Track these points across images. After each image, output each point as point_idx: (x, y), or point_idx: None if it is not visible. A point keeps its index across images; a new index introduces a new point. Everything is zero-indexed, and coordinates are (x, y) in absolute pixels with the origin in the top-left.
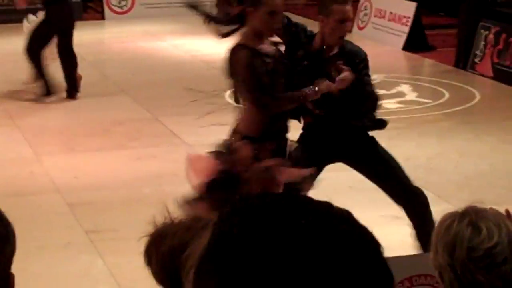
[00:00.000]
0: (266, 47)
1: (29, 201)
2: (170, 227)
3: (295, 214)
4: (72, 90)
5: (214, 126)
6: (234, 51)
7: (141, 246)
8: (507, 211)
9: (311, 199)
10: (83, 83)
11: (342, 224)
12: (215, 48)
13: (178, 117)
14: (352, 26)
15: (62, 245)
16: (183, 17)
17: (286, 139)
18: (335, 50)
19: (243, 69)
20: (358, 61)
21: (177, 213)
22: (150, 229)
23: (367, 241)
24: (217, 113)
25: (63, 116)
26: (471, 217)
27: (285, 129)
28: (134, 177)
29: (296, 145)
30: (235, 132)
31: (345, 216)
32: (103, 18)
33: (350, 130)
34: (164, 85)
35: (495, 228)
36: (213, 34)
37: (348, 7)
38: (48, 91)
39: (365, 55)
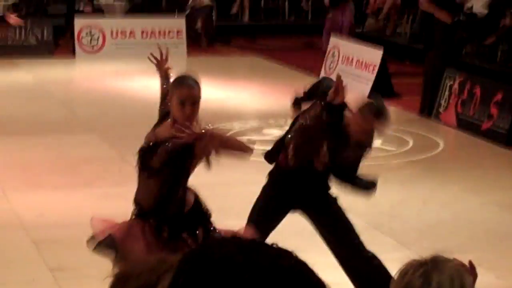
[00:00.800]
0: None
1: None
2: (134, 268)
3: (241, 272)
4: None
5: None
6: None
7: (105, 286)
8: (470, 263)
9: (268, 248)
10: (52, 121)
11: (293, 273)
12: None
13: None
14: (320, 73)
15: (25, 282)
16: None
17: None
18: None
19: None
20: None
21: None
22: (114, 269)
23: None
24: None
25: (30, 152)
26: (427, 268)
27: None
28: (100, 216)
29: None
30: None
31: (296, 271)
32: (74, 56)
33: (317, 184)
34: (133, 125)
35: (447, 282)
36: None
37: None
38: None
39: None
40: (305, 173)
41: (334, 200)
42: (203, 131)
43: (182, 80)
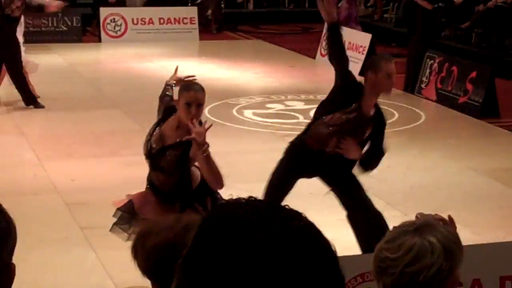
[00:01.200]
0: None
1: (32, 200)
2: (154, 226)
3: (259, 227)
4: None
5: None
6: None
7: (129, 242)
8: (449, 217)
9: (280, 210)
10: (81, 98)
11: (302, 234)
12: (197, 69)
13: None
14: (316, 54)
15: (59, 240)
16: (169, 42)
17: None
18: (373, 111)
19: None
20: (384, 122)
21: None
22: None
23: (323, 253)
24: None
25: (62, 125)
26: (421, 232)
27: None
28: (124, 181)
29: None
30: None
31: (306, 232)
32: (99, 41)
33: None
34: (152, 101)
35: (422, 248)
36: None
37: (393, 64)
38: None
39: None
40: (336, 159)
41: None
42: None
43: (190, 85)
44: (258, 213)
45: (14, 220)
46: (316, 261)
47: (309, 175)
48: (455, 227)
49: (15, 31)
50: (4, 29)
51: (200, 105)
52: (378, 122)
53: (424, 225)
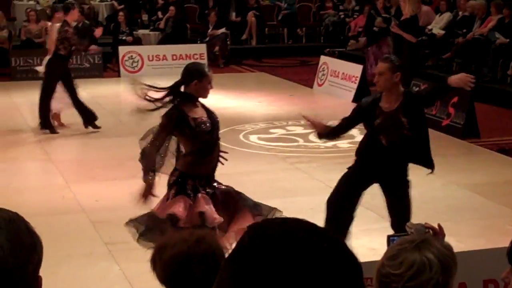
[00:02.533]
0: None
1: (60, 219)
2: (170, 240)
3: (296, 245)
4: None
5: None
6: None
7: (149, 254)
8: (439, 225)
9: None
10: (103, 127)
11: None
12: (207, 99)
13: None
14: (313, 84)
15: (85, 254)
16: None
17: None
18: (398, 102)
19: None
20: (415, 103)
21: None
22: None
23: (351, 265)
24: None
25: (87, 152)
26: (419, 244)
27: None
28: None
29: None
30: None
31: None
32: (119, 76)
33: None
34: None
35: (421, 264)
36: None
37: None
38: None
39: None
40: (394, 149)
41: (407, 183)
42: None
43: (205, 69)
44: (296, 232)
45: (45, 237)
46: (345, 272)
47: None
48: (443, 234)
49: (61, 65)
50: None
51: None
52: (408, 107)
53: (422, 242)
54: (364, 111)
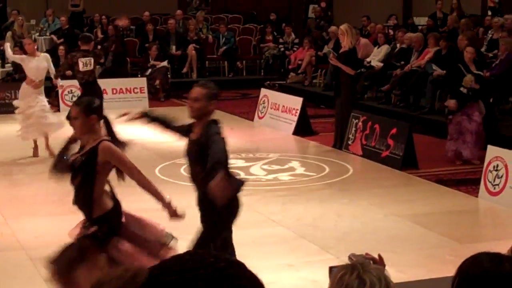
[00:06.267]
0: None
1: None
2: (105, 277)
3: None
4: None
5: None
6: None
7: None
8: (379, 256)
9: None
10: (42, 162)
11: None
12: (146, 133)
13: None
14: (254, 117)
15: None
16: (122, 109)
17: None
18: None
19: None
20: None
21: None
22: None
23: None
24: None
25: (26, 187)
26: (359, 271)
27: None
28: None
29: None
30: None
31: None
32: (59, 110)
33: None
34: None
35: (377, 281)
36: None
37: None
38: None
39: None
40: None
41: None
42: None
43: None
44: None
45: None
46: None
47: None
48: (384, 265)
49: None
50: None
51: None
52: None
53: (362, 265)
54: (185, 130)
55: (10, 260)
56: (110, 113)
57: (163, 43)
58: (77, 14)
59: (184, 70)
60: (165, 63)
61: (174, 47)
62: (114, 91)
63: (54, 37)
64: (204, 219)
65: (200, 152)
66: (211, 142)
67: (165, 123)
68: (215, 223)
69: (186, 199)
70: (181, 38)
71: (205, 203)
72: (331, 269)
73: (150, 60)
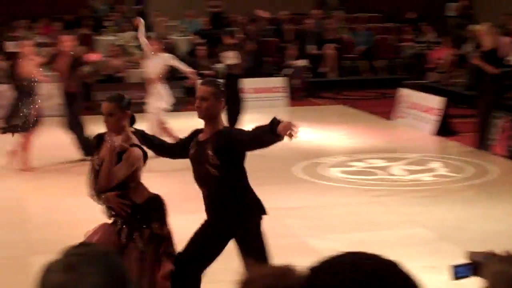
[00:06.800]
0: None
1: None
2: (253, 274)
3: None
4: None
5: None
6: None
7: None
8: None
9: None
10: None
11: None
12: None
13: None
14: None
15: None
16: (263, 108)
17: None
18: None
19: None
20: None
21: None
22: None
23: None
24: None
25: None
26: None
27: None
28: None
29: None
30: None
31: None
32: None
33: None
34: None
35: None
36: None
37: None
38: None
39: None
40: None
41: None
42: None
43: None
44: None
45: None
46: None
47: None
48: None
49: None
50: None
51: None
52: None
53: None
54: (187, 138)
55: None
56: (250, 113)
57: (301, 42)
58: (216, 14)
59: (324, 69)
60: (305, 62)
61: (310, 47)
62: (253, 91)
63: (195, 37)
64: (220, 216)
65: (213, 150)
66: (232, 134)
67: (159, 145)
68: (243, 216)
69: (331, 197)
70: (317, 38)
71: (222, 202)
72: (453, 267)
73: (288, 59)
